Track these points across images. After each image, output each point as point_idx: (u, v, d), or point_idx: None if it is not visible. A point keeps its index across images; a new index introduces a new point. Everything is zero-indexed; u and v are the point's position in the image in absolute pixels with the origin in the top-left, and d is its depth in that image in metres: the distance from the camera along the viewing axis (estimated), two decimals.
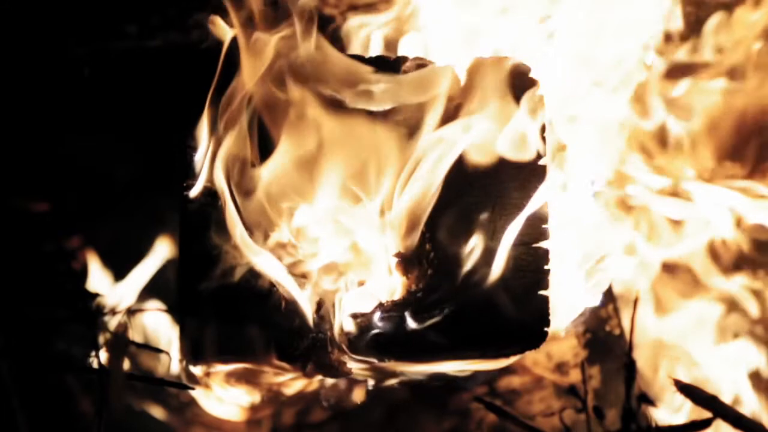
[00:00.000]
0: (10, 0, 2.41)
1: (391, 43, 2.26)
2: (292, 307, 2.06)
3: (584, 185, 2.28)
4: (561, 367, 2.44)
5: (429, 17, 2.26)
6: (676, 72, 2.37)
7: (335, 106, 2.04)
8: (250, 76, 2.01)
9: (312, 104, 2.04)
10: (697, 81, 2.36)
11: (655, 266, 2.43)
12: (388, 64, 2.07)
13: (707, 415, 2.06)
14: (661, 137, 2.40)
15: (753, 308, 2.43)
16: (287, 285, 2.06)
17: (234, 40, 2.04)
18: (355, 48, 2.33)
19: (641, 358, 2.42)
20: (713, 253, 2.42)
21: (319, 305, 2.08)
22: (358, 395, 2.25)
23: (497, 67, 2.08)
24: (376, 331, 2.06)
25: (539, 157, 2.08)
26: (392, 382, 2.21)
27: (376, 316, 2.07)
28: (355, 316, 2.07)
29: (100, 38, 2.42)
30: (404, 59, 2.09)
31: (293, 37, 2.03)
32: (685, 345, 2.45)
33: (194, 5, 2.43)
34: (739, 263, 2.44)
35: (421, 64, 2.08)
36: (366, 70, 2.04)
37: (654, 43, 2.36)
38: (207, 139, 2.06)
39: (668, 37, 2.37)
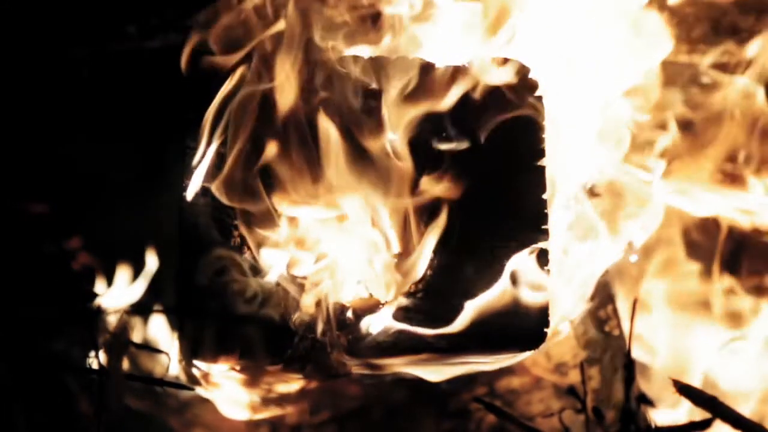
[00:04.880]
0: (10, 0, 2.41)
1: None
2: (292, 308, 2.07)
3: (581, 186, 2.28)
4: (560, 368, 2.44)
5: (428, 17, 2.25)
6: (676, 73, 2.38)
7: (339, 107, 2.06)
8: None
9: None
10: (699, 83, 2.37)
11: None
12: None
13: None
14: (661, 138, 2.40)
15: None
16: (287, 286, 2.06)
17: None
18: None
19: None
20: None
21: (319, 306, 2.08)
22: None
23: (497, 67, 2.08)
24: (375, 331, 2.06)
25: (539, 157, 2.08)
26: (391, 382, 2.21)
27: (376, 316, 2.07)
28: (354, 317, 2.07)
29: (100, 39, 2.42)
30: (403, 60, 2.09)
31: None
32: None
33: (194, 6, 2.43)
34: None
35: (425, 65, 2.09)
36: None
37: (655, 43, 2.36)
38: (207, 140, 2.07)
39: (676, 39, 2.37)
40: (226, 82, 2.07)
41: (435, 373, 2.14)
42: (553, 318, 2.10)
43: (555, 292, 2.12)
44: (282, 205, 2.07)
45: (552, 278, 2.08)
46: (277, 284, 2.06)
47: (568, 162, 2.20)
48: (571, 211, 2.20)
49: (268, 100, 2.07)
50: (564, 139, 2.21)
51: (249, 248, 2.08)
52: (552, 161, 2.13)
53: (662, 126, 2.38)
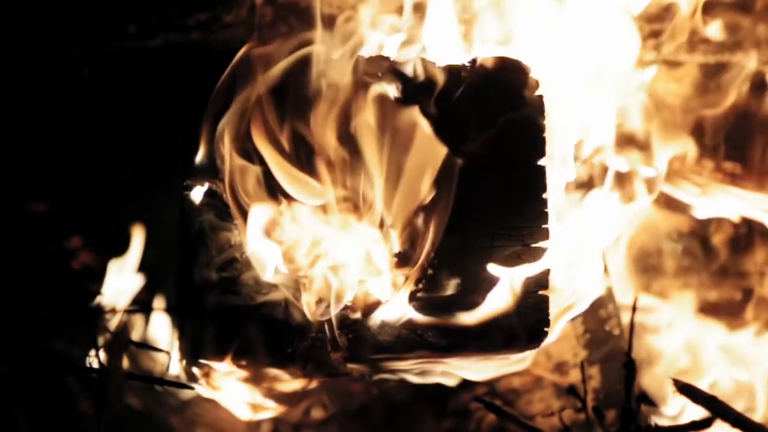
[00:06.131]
0: (10, 0, 2.41)
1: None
2: (292, 307, 2.07)
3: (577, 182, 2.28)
4: (560, 367, 2.44)
5: (428, 16, 2.25)
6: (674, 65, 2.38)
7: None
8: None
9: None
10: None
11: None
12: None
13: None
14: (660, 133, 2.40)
15: None
16: (287, 284, 2.07)
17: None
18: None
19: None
20: None
21: (319, 305, 2.08)
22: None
23: (497, 66, 2.08)
24: (375, 330, 2.06)
25: (539, 156, 2.08)
26: (391, 381, 2.21)
27: (376, 315, 2.07)
28: (354, 316, 2.07)
29: (100, 38, 2.42)
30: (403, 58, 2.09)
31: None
32: None
33: (194, 5, 2.44)
34: None
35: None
36: None
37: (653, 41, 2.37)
38: (208, 138, 2.07)
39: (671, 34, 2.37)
40: (223, 77, 2.07)
41: (475, 371, 2.14)
42: (554, 308, 2.10)
43: (556, 276, 2.12)
44: (284, 204, 2.07)
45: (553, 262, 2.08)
46: (278, 284, 2.06)
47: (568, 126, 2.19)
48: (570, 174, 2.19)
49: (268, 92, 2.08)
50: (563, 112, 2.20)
51: (248, 246, 2.08)
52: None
53: (669, 123, 2.39)
